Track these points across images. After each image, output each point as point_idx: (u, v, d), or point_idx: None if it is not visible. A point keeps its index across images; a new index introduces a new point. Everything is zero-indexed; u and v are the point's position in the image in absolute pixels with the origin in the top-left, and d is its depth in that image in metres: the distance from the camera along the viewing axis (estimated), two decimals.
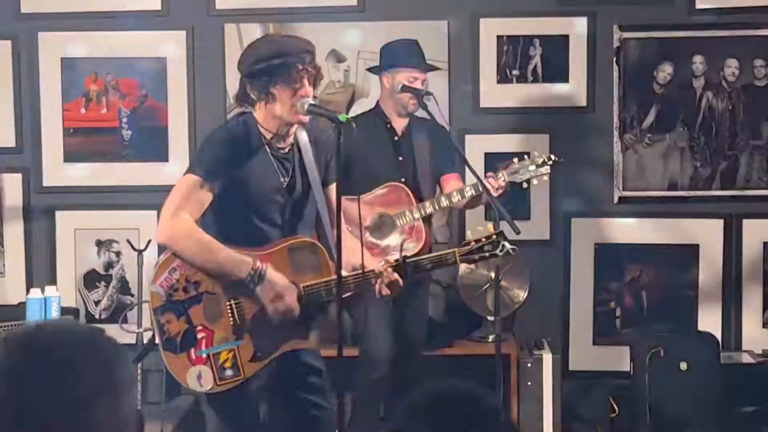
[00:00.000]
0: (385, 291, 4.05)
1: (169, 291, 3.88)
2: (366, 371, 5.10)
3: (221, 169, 3.88)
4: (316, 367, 4.15)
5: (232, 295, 3.93)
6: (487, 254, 4.15)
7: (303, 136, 4.07)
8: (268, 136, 3.99)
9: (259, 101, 3.97)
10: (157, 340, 3.93)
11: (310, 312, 4.02)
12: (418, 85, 5.21)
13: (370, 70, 5.61)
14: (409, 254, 4.28)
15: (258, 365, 3.98)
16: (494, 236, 4.14)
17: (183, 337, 3.89)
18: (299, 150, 4.07)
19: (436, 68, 5.33)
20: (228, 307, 3.93)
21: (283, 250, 4.00)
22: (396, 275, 4.04)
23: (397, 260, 4.09)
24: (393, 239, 5.11)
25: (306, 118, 3.96)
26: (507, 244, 4.14)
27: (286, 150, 4.04)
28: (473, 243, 4.14)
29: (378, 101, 5.41)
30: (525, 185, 5.10)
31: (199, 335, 3.90)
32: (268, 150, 3.99)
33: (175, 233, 3.83)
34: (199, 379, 3.89)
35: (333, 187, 4.11)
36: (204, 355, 3.90)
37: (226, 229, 3.93)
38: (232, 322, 3.94)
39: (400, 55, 5.32)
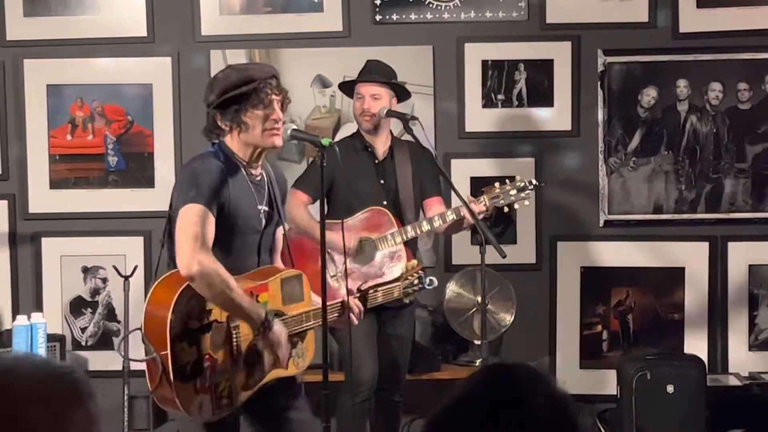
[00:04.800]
0: (354, 322, 4.22)
1: (186, 319, 3.80)
2: (350, 395, 5.10)
3: (216, 196, 3.86)
4: (293, 383, 4.16)
5: (236, 324, 3.90)
6: (417, 287, 4.50)
7: (268, 168, 4.10)
8: (244, 163, 4.00)
9: (231, 131, 3.95)
10: (167, 369, 3.84)
11: (292, 341, 4.03)
12: (367, 98, 5.21)
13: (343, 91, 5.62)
14: (390, 279, 4.45)
15: (247, 394, 3.97)
16: (419, 271, 4.51)
17: (193, 365, 3.81)
18: (270, 180, 4.09)
19: (384, 81, 5.28)
20: (233, 336, 3.90)
21: (277, 280, 4.03)
22: (359, 305, 4.25)
23: (360, 293, 4.30)
24: (374, 264, 5.11)
25: (279, 142, 3.97)
26: (434, 280, 4.52)
27: (259, 178, 4.05)
28: (409, 277, 4.49)
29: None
30: (507, 209, 5.10)
31: (206, 364, 3.84)
32: (246, 177, 4.00)
33: (206, 271, 3.74)
34: (200, 408, 3.84)
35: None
36: (207, 384, 3.86)
37: (219, 257, 3.90)
38: (234, 351, 3.91)
39: (357, 76, 5.35)
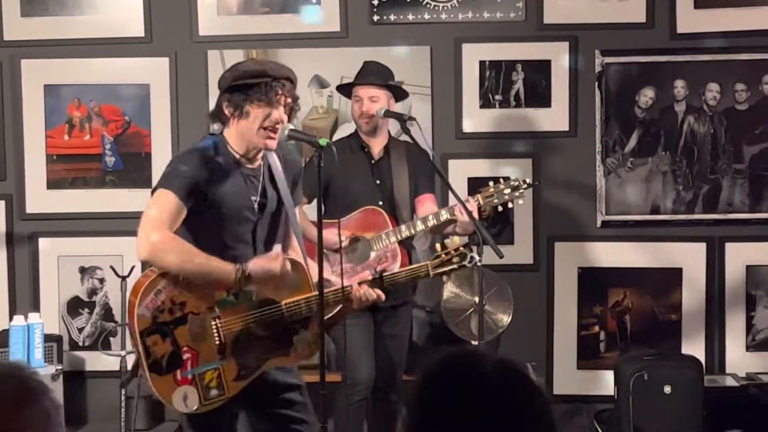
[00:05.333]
0: (363, 300, 4.16)
1: (154, 313, 3.84)
2: (347, 394, 5.10)
3: (194, 186, 3.89)
4: (293, 383, 4.16)
5: (217, 314, 3.93)
6: (456, 266, 4.30)
7: (273, 156, 4.10)
8: (237, 156, 4.02)
9: (232, 118, 3.98)
10: (141, 363, 3.90)
11: (292, 328, 4.04)
12: (365, 101, 5.21)
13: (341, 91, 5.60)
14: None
15: (242, 384, 3.98)
16: (461, 248, 4.30)
17: (169, 358, 3.86)
18: (270, 169, 4.09)
19: (382, 84, 5.28)
20: (213, 326, 3.92)
21: None
22: (378, 292, 4.16)
23: (374, 277, 4.20)
24: (370, 263, 5.11)
25: (273, 145, 3.98)
26: (475, 256, 4.30)
27: (255, 168, 4.07)
28: (443, 255, 4.30)
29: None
30: (501, 209, 5.09)
31: (185, 356, 3.88)
32: (239, 168, 4.01)
33: (158, 247, 3.80)
34: (185, 399, 3.87)
35: (297, 211, 4.24)
36: (190, 376, 3.88)
37: (206, 247, 3.92)
38: (217, 342, 3.93)
39: (355, 78, 5.36)
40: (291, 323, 4.03)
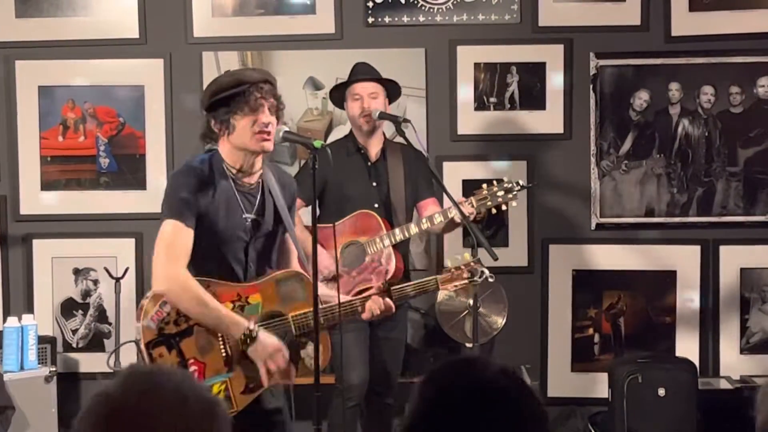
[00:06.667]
0: (376, 313, 4.22)
1: (160, 325, 3.83)
2: (341, 398, 5.09)
3: (192, 209, 3.88)
4: (277, 406, 4.14)
5: None
6: (466, 281, 4.38)
7: (270, 176, 4.09)
8: (234, 171, 4.00)
9: (221, 134, 3.97)
10: None
11: (299, 342, 4.03)
12: (366, 98, 5.20)
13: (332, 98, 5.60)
14: (381, 281, 4.44)
15: (250, 397, 3.96)
16: (472, 264, 4.38)
17: None
18: (269, 188, 4.08)
19: (377, 78, 5.27)
20: (219, 338, 3.90)
21: (271, 281, 4.03)
22: (389, 303, 4.22)
23: (382, 287, 4.25)
24: (364, 266, 5.10)
25: (270, 147, 3.97)
26: (486, 271, 4.38)
27: (253, 186, 4.05)
28: (453, 270, 4.36)
29: (351, 128, 5.40)
30: (494, 211, 5.08)
31: (191, 368, 3.85)
32: (234, 186, 3.99)
33: (174, 285, 3.82)
34: None
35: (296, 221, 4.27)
36: None
37: (199, 266, 3.91)
38: (223, 354, 3.91)
39: (348, 77, 5.34)
40: (298, 336, 4.02)
